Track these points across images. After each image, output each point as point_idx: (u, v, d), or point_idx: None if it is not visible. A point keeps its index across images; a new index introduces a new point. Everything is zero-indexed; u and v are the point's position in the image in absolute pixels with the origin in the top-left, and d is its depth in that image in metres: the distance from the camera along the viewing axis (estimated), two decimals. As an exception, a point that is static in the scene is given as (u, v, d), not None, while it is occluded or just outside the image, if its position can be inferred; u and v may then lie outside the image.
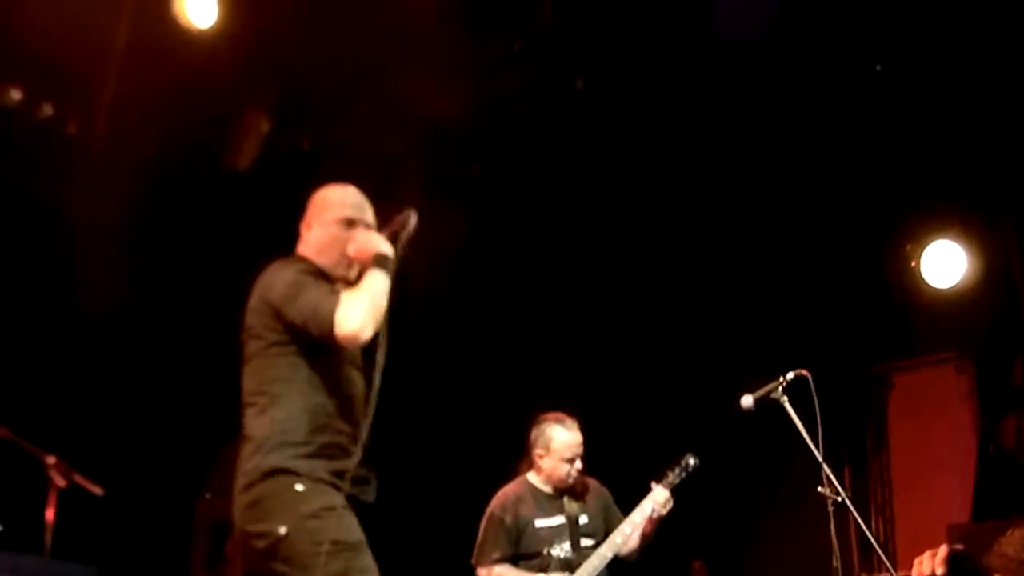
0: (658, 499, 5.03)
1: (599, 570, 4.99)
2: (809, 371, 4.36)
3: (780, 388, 4.40)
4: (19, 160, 6.23)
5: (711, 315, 7.79)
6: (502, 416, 7.30)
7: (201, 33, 5.83)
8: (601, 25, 6.02)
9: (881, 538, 7.80)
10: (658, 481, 5.15)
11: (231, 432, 7.22)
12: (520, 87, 6.39)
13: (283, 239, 6.92)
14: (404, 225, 3.65)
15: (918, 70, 6.06)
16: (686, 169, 6.90)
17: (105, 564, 6.28)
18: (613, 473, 5.44)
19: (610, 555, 5.02)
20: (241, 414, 3.60)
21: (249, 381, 3.60)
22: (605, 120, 6.57)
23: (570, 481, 5.11)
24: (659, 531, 5.13)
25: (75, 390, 6.59)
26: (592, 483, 5.26)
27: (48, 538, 5.20)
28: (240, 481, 3.49)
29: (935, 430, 7.79)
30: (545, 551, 5.01)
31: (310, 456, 3.43)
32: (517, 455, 5.38)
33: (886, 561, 4.77)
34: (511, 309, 7.68)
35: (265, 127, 6.53)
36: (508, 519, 5.04)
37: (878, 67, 6.14)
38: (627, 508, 5.21)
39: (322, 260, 3.63)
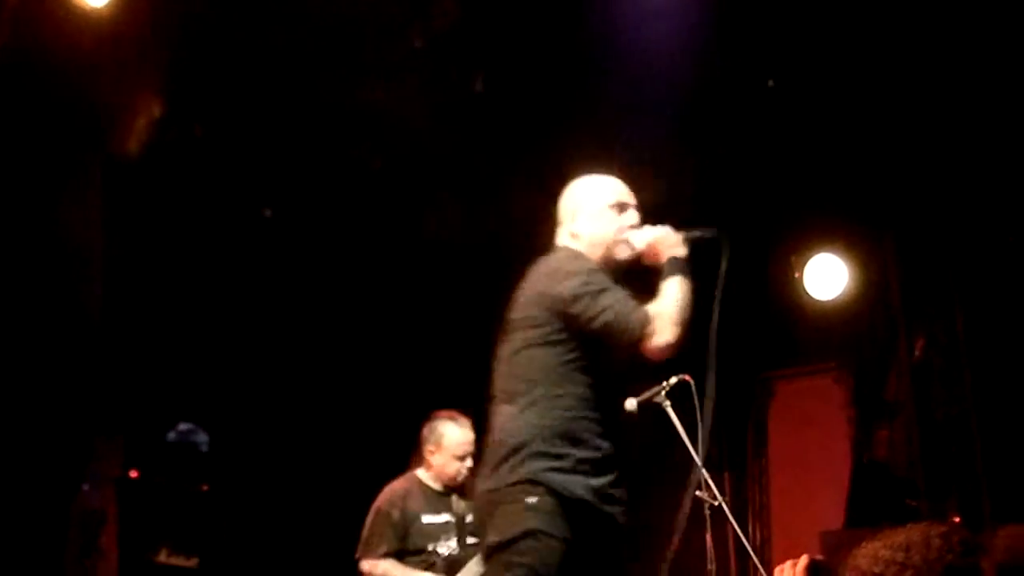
0: None
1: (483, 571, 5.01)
2: (692, 376, 4.42)
3: (663, 392, 4.45)
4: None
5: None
6: (393, 412, 7.30)
7: (94, 12, 5.67)
8: (504, 24, 6.02)
9: (757, 543, 7.95)
10: None
11: (108, 422, 7.13)
12: (420, 85, 6.36)
13: (174, 224, 6.84)
14: (704, 237, 3.60)
15: (807, 86, 6.19)
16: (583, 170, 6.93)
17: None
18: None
19: None
20: (489, 404, 3.52)
21: (509, 375, 3.48)
22: (505, 121, 6.57)
23: (459, 479, 5.15)
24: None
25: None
26: None
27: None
28: (486, 480, 3.41)
29: (813, 438, 7.98)
30: (431, 547, 5.05)
31: (567, 471, 3.31)
32: (407, 452, 5.37)
33: (760, 567, 4.87)
34: (408, 307, 7.65)
35: (156, 112, 6.39)
36: (395, 514, 5.06)
37: (770, 83, 6.25)
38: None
39: (596, 250, 3.55)
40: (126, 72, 6.23)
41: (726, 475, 8.05)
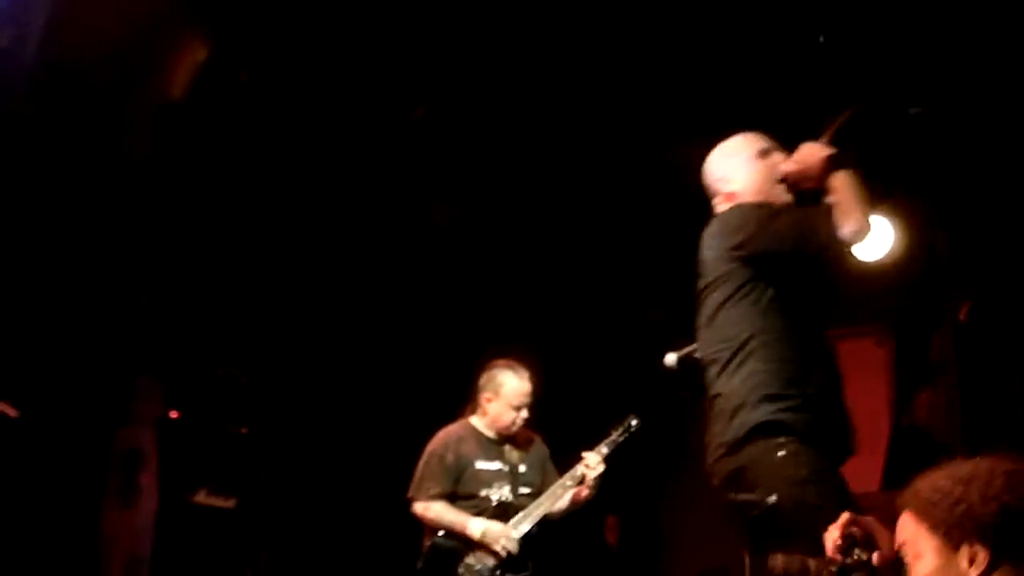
0: (590, 462, 5.12)
1: (537, 519, 5.07)
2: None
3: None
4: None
5: (645, 275, 7.88)
6: (439, 353, 7.35)
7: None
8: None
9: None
10: (601, 441, 5.25)
11: (149, 362, 7.24)
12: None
13: (218, 167, 6.90)
14: (844, 118, 3.64)
15: (855, 44, 6.12)
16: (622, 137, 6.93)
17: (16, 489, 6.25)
18: (548, 427, 5.52)
19: (547, 505, 5.10)
20: (704, 371, 3.58)
21: (714, 337, 3.53)
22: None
23: (514, 429, 5.23)
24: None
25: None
26: (534, 436, 5.35)
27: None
28: (717, 445, 3.40)
29: (853, 400, 7.91)
30: (483, 493, 5.14)
31: (795, 409, 3.32)
32: (452, 394, 5.43)
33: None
34: (467, 256, 7.72)
35: (201, 56, 6.42)
36: (449, 457, 5.13)
37: (821, 38, 6.17)
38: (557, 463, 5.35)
39: (761, 197, 3.62)
40: (171, 15, 6.25)
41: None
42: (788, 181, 3.60)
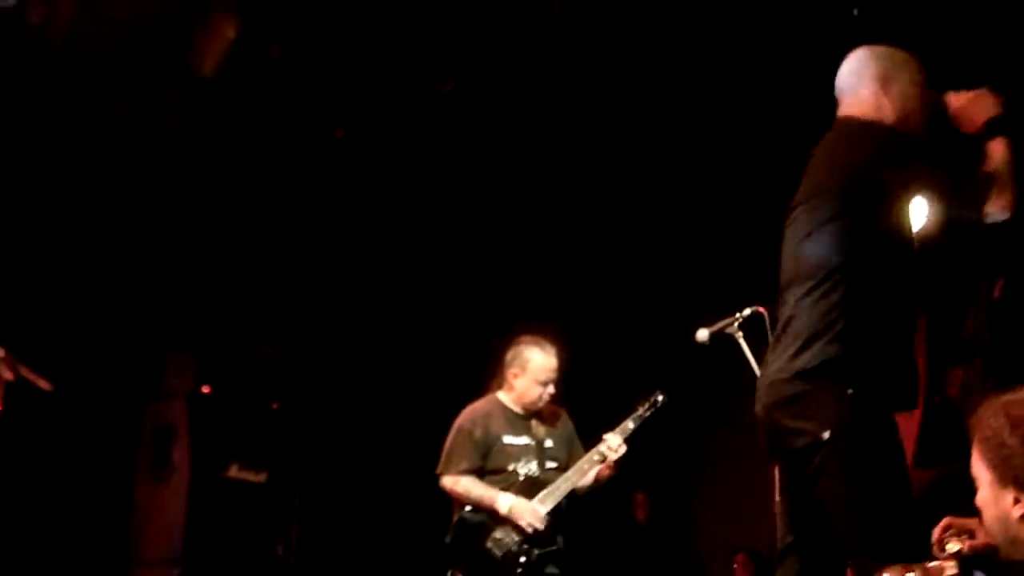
0: (611, 444, 5.12)
1: (565, 494, 5.09)
2: (765, 308, 4.39)
3: (736, 324, 4.44)
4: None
5: (675, 251, 7.86)
6: (467, 329, 7.34)
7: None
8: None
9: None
10: (628, 416, 5.24)
11: (180, 338, 7.27)
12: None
13: (247, 144, 6.91)
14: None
15: (892, 18, 6.05)
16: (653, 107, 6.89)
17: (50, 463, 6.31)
18: (575, 402, 5.52)
19: (574, 480, 5.11)
20: (782, 288, 3.37)
21: (799, 258, 3.30)
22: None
23: (540, 404, 5.26)
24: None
25: (26, 283, 6.54)
26: (560, 411, 5.37)
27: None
28: (782, 368, 3.22)
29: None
30: (512, 467, 5.16)
31: (867, 352, 3.13)
32: (485, 375, 5.44)
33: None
34: (495, 232, 7.73)
35: (231, 32, 6.42)
36: (478, 432, 5.16)
37: (855, 11, 6.11)
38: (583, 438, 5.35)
39: (907, 123, 3.36)
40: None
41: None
42: (948, 112, 3.38)
